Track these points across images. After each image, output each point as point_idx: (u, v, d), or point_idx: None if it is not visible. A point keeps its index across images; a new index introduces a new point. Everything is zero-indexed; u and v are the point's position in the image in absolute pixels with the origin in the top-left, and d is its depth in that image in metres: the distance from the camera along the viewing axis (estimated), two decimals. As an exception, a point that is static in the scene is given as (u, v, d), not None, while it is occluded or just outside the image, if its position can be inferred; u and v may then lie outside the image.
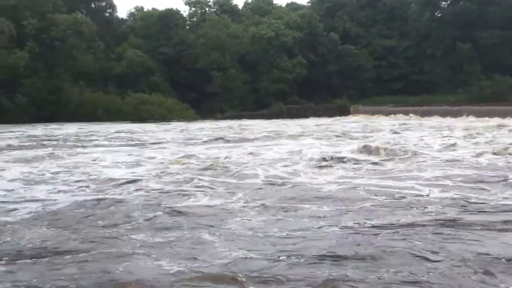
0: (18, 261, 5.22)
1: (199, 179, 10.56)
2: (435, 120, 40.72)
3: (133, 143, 22.45)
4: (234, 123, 41.93)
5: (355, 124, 36.00)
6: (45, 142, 23.22)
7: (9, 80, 51.33)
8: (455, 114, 42.60)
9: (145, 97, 54.85)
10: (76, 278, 4.70)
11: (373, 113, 50.77)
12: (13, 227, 6.66)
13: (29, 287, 4.56)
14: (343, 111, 55.29)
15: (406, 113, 47.36)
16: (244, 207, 7.81)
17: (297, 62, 61.84)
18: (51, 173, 12.25)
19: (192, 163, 13.65)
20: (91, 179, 11.22)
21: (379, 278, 4.73)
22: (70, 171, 12.49)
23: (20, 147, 19.93)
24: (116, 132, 30.42)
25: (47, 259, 5.31)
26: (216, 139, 23.44)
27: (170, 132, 30.69)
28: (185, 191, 9.48)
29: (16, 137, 26.36)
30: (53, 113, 52.07)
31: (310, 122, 39.50)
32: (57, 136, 27.75)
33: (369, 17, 67.10)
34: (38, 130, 35.42)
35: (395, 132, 26.72)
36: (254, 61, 62.28)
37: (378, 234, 6.04)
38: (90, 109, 52.53)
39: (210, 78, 60.07)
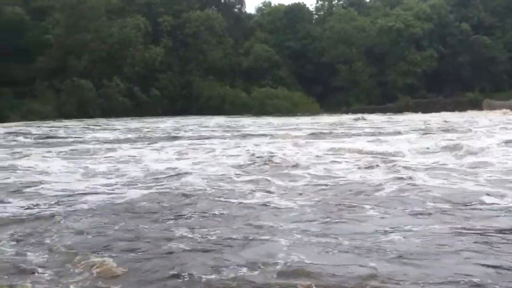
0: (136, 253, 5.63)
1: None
2: None
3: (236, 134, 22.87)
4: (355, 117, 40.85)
5: (487, 121, 32.11)
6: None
7: (145, 74, 54.57)
8: None
9: (271, 91, 55.79)
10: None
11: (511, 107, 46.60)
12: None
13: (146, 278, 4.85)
14: (475, 106, 52.36)
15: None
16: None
17: (427, 55, 60.04)
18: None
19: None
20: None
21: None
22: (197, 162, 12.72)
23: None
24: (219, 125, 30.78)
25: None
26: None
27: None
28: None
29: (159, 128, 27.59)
30: (185, 106, 54.59)
31: (435, 118, 37.35)
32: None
33: (505, 6, 63.29)
34: (171, 122, 36.55)
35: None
36: (381, 54, 61.24)
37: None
38: (218, 103, 54.46)
39: (336, 72, 59.92)
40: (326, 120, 37.32)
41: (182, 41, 58.84)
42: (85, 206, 7.62)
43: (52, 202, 7.92)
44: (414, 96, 58.30)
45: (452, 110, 51.62)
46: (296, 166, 11.69)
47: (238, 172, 10.92)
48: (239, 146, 16.99)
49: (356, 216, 6.96)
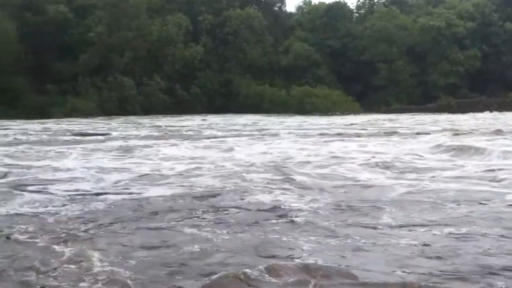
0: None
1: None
2: None
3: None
4: (394, 117, 40.27)
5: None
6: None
7: (185, 72, 55.14)
8: None
9: (310, 90, 55.68)
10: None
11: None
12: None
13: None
14: (519, 106, 51.27)
15: None
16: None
17: (470, 54, 59.05)
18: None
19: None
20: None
21: None
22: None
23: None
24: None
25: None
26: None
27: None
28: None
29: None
30: (224, 104, 54.95)
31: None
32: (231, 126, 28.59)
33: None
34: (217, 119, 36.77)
35: None
36: (422, 53, 60.46)
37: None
38: (256, 101, 54.64)
39: (376, 70, 59.43)
40: (355, 119, 36.89)
41: (222, 40, 59.21)
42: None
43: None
44: (456, 96, 57.34)
45: (495, 110, 50.69)
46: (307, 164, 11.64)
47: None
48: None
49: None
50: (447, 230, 6.00)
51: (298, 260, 4.96)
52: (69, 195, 8.18)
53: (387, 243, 5.54)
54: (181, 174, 10.46)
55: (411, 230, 6.07)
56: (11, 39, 46.47)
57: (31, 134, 22.93)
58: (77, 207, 7.25)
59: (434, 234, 5.89)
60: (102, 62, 51.06)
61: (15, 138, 20.61)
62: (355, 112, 51.65)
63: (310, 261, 4.97)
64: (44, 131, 25.45)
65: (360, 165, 11.61)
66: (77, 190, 8.67)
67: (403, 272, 4.72)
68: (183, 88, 54.11)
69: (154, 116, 45.01)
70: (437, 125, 27.74)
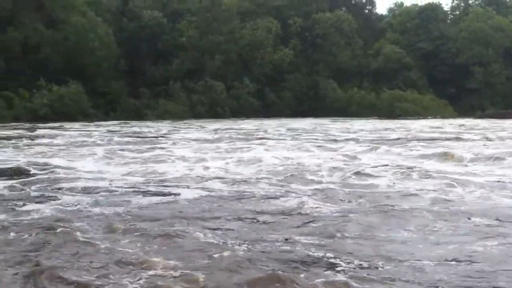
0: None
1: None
2: None
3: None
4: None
5: None
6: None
7: (273, 75, 55.59)
8: None
9: (400, 94, 54.61)
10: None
11: None
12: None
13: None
14: None
15: None
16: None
17: None
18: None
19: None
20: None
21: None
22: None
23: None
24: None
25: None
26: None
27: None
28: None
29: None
30: (312, 107, 54.86)
31: None
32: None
33: None
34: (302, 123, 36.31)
35: None
36: (520, 56, 57.87)
37: None
38: (344, 104, 54.19)
39: (471, 73, 57.42)
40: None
41: (310, 43, 59.24)
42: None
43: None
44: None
45: None
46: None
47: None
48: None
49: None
50: None
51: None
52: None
53: None
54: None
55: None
56: (110, 44, 48.58)
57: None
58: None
59: None
60: (193, 66, 52.36)
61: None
62: (449, 116, 50.08)
63: None
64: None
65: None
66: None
67: None
68: (271, 91, 54.61)
69: (241, 119, 45.68)
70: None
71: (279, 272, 4.54)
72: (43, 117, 39.55)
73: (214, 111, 49.34)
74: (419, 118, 46.48)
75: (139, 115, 44.94)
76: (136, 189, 8.91)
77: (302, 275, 4.55)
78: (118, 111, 45.93)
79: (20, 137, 21.66)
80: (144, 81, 50.11)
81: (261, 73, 55.02)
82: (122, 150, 15.92)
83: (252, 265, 4.83)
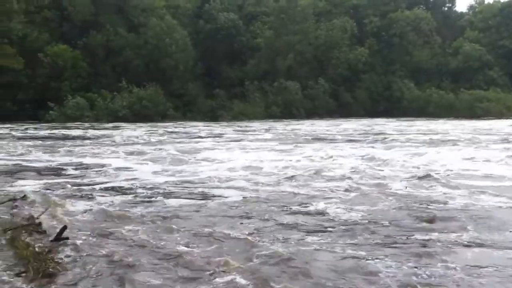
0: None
1: None
2: None
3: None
4: None
5: None
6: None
7: (348, 75, 55.06)
8: None
9: (480, 93, 52.68)
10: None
11: None
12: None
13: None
14: None
15: None
16: None
17: None
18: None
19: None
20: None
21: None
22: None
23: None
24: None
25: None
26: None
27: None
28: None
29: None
30: (387, 108, 53.94)
31: None
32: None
33: None
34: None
35: None
36: None
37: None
38: (421, 105, 52.80)
39: (557, 72, 54.87)
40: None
41: (387, 42, 58.24)
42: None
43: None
44: None
45: None
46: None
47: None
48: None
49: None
50: None
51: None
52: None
53: None
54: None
55: None
56: (187, 46, 49.55)
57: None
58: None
59: None
60: (268, 67, 52.59)
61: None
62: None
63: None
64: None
65: None
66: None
67: None
68: (347, 90, 54.12)
69: (316, 119, 45.49)
70: None
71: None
72: (123, 117, 40.94)
73: (288, 112, 49.36)
74: (503, 118, 44.78)
75: (214, 116, 45.60)
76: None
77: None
78: (194, 111, 46.78)
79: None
80: (219, 82, 50.78)
81: (336, 72, 54.62)
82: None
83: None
